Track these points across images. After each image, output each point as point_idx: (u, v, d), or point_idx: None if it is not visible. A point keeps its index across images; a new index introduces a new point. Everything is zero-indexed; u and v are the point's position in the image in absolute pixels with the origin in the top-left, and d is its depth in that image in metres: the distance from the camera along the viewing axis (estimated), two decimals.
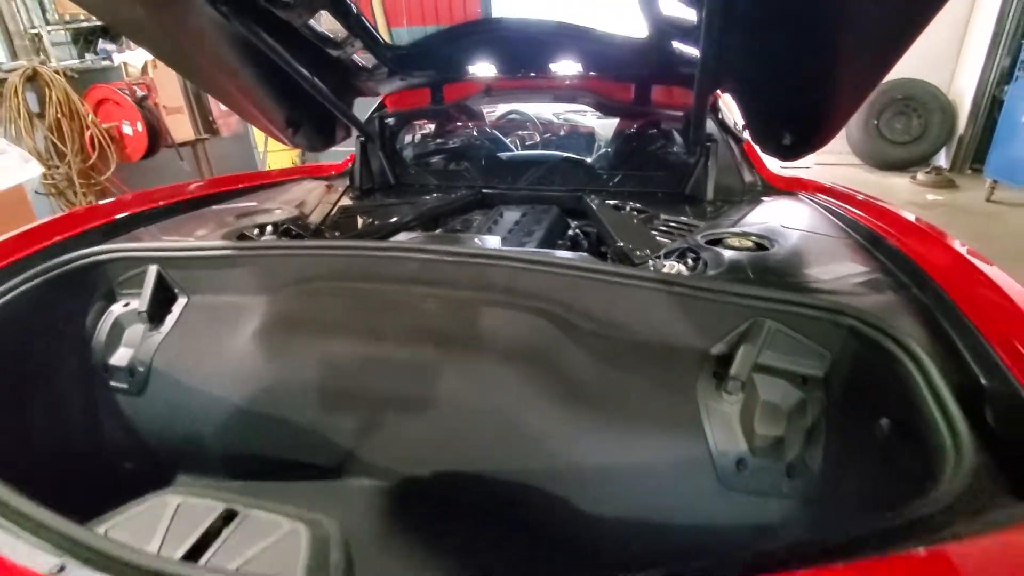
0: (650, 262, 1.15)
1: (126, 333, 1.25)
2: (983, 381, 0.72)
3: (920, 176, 5.40)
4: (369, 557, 0.77)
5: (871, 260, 1.07)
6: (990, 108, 5.02)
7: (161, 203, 1.56)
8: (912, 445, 0.72)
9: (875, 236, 1.17)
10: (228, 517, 0.65)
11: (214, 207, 1.61)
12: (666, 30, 1.35)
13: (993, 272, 0.92)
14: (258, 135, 5.17)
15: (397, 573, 0.83)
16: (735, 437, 0.87)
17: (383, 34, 7.07)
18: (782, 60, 1.14)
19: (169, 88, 3.79)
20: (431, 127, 2.55)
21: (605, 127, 3.07)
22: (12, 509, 0.57)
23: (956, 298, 0.84)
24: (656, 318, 0.94)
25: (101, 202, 1.64)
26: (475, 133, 2.52)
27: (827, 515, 0.80)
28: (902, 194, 5.03)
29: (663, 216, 1.52)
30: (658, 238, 1.37)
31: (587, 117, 3.34)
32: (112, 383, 1.21)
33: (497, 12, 6.97)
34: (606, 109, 1.97)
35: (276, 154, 5.56)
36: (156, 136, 3.84)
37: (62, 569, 0.51)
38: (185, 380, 1.19)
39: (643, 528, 0.84)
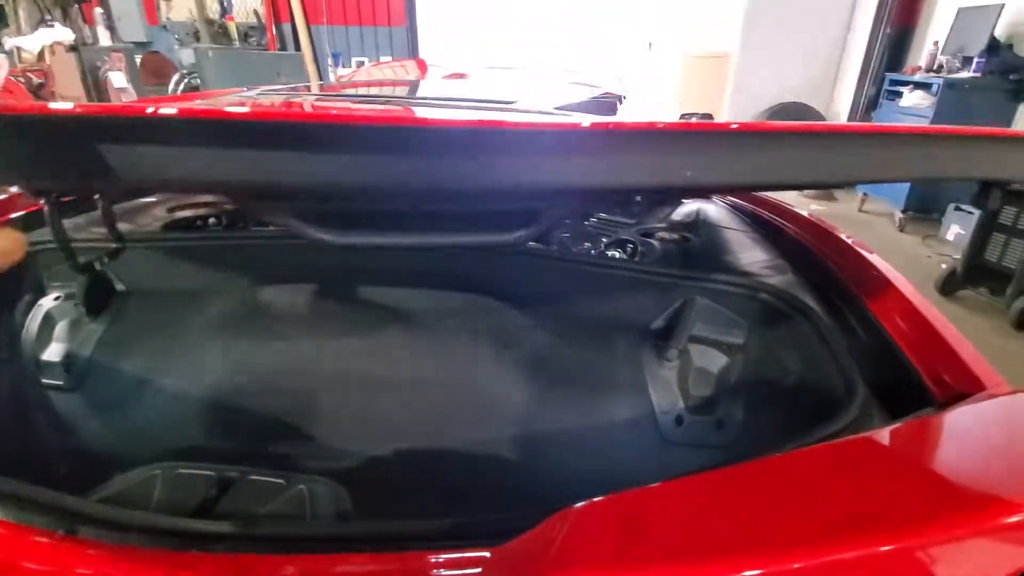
0: (593, 252, 1.27)
1: (58, 327, 1.18)
2: (865, 339, 0.90)
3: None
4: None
5: (774, 248, 1.27)
6: None
7: None
8: (813, 393, 0.88)
9: (776, 229, 1.37)
10: (224, 485, 0.66)
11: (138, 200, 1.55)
12: None
13: (871, 256, 1.12)
14: None
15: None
16: (674, 398, 1.00)
17: (302, 33, 6.74)
18: None
19: (67, 76, 3.48)
20: None
21: None
22: (10, 494, 0.55)
23: (842, 275, 1.03)
24: (606, 298, 1.06)
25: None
26: None
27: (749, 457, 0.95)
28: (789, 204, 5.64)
29: (594, 215, 1.66)
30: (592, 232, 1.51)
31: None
32: (44, 380, 1.14)
33: (421, 15, 6.98)
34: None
35: None
36: None
37: (74, 532, 0.52)
38: (129, 373, 1.15)
39: (596, 481, 0.94)
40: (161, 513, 0.55)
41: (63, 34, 3.41)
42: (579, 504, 0.49)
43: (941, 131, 0.63)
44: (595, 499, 0.49)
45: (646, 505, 0.51)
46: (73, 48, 3.55)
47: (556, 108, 1.28)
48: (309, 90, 1.65)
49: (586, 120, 0.52)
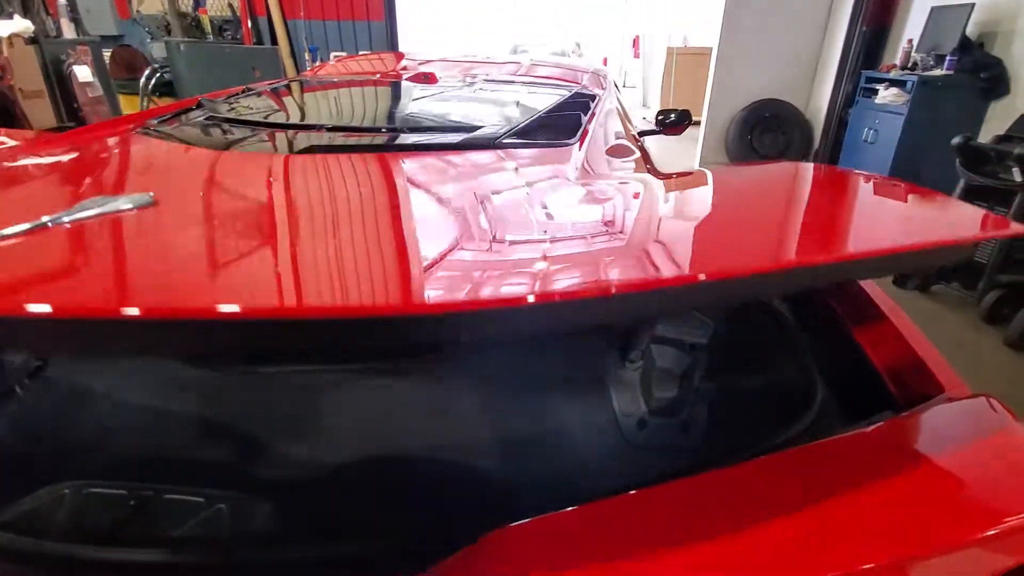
0: None
1: None
2: (829, 339, 0.88)
3: None
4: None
5: None
6: (838, 127, 5.81)
7: None
8: (776, 394, 0.86)
9: None
10: (139, 505, 0.61)
11: None
12: None
13: None
14: None
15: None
16: (637, 400, 0.98)
17: (278, 27, 6.61)
18: None
19: (28, 69, 3.35)
20: None
21: None
22: None
23: None
24: None
25: None
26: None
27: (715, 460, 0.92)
28: None
29: None
30: None
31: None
32: None
33: (401, 8, 6.89)
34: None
35: None
36: (11, 122, 3.38)
37: None
38: (58, 381, 1.09)
39: (555, 488, 0.91)
40: (64, 539, 0.51)
41: (21, 26, 3.29)
42: (498, 530, 0.46)
43: (856, 256, 0.64)
44: (512, 525, 0.46)
45: (574, 528, 0.48)
46: (33, 40, 3.43)
47: (519, 133, 1.26)
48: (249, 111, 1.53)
49: (524, 296, 0.49)
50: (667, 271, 0.57)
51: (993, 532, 0.50)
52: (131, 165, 1.10)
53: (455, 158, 1.06)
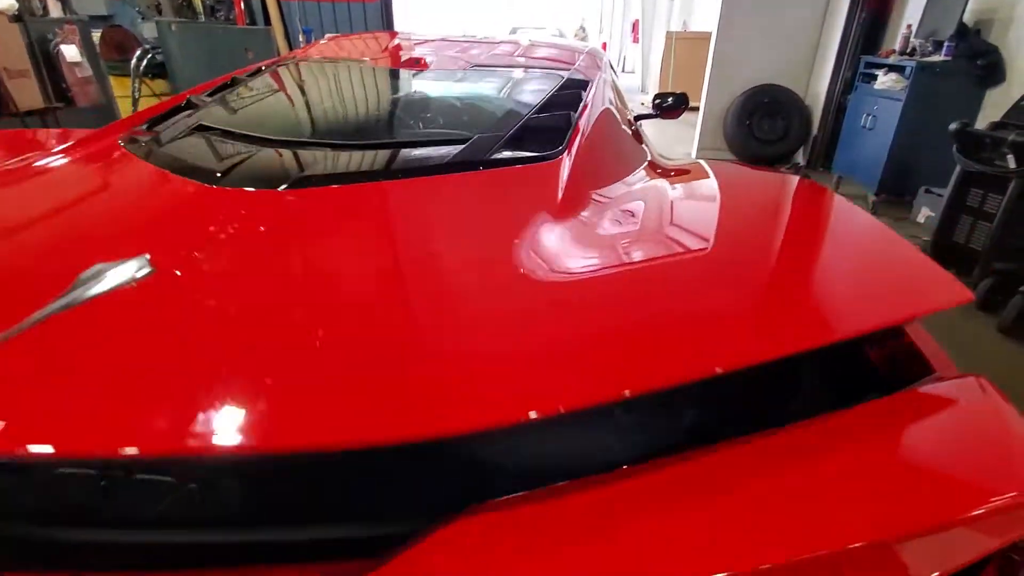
0: None
1: None
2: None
3: (782, 171, 6.10)
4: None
5: None
6: (836, 113, 5.78)
7: None
8: (764, 376, 0.85)
9: None
10: (108, 486, 0.59)
11: None
12: None
13: None
14: (122, 107, 4.66)
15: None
16: None
17: (272, 8, 6.48)
18: None
19: (12, 49, 3.29)
20: None
21: None
22: None
23: None
24: None
25: None
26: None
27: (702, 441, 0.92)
28: None
29: None
30: None
31: None
32: None
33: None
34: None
35: None
36: None
37: None
38: None
39: (537, 471, 0.91)
40: (31, 520, 0.50)
41: (5, 3, 3.22)
42: (472, 507, 0.45)
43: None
44: (488, 502, 0.45)
45: (553, 507, 0.48)
46: (18, 18, 3.36)
47: (507, 143, 1.28)
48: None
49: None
50: (652, 377, 0.60)
51: (980, 512, 0.50)
52: (118, 204, 1.09)
53: (443, 191, 1.09)
